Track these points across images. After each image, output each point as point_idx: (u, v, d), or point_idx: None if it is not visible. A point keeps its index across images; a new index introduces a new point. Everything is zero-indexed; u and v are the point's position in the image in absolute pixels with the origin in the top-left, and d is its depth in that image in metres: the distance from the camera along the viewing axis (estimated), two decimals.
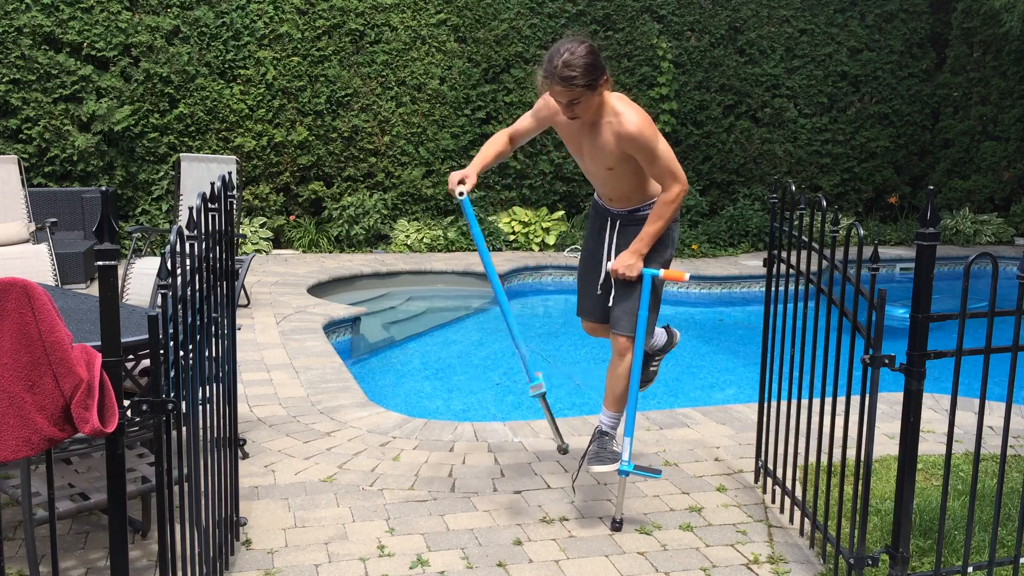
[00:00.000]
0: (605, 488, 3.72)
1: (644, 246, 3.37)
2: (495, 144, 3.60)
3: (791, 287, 7.95)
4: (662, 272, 3.41)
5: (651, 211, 3.36)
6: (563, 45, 3.15)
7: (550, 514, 3.47)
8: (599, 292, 3.61)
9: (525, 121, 3.55)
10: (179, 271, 2.33)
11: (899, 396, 4.98)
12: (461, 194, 3.43)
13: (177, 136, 9.10)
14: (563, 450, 3.46)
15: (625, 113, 3.21)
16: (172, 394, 2.12)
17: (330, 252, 9.55)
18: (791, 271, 3.46)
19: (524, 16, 10.16)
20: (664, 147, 3.24)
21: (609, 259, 3.55)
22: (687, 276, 3.32)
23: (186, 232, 2.33)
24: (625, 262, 3.38)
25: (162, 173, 9.05)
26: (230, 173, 2.96)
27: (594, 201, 3.67)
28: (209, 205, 2.60)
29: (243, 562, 3.03)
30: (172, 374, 2.13)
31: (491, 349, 6.89)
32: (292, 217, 9.72)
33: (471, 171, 3.50)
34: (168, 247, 2.12)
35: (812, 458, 4.01)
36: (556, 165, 10.46)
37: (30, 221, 7.05)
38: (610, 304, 3.51)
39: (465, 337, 7.26)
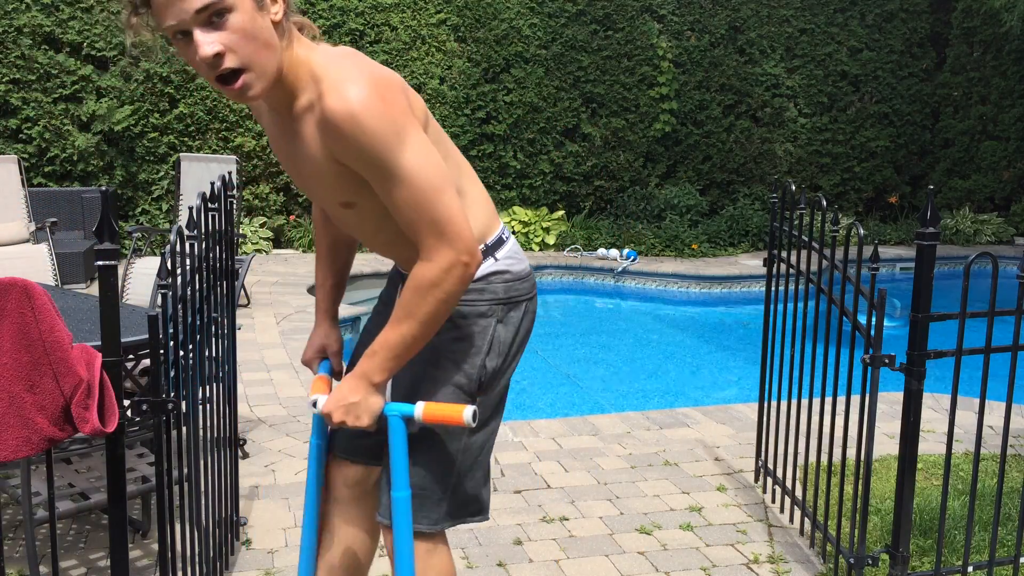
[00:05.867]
0: (605, 487, 3.72)
1: (379, 368, 1.75)
2: (323, 235, 2.12)
3: (791, 287, 7.93)
4: (421, 410, 1.76)
5: (399, 300, 1.74)
6: None
7: (550, 514, 3.46)
8: None
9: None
10: (179, 271, 2.32)
11: (899, 396, 4.98)
12: (315, 404, 1.85)
13: (177, 136, 9.10)
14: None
15: (330, 77, 1.61)
16: (172, 394, 2.12)
17: None
18: (791, 271, 3.45)
19: (524, 16, 10.15)
20: (419, 159, 1.63)
21: None
22: (469, 416, 1.71)
23: (186, 232, 2.33)
24: (345, 398, 1.76)
25: (162, 173, 9.05)
26: (230, 173, 2.96)
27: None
28: (209, 205, 2.60)
29: (243, 562, 3.03)
30: (172, 374, 2.13)
31: None
32: (292, 217, 9.72)
33: (328, 326, 2.13)
34: (168, 247, 2.11)
35: (812, 458, 4.01)
36: (556, 165, 10.46)
37: (30, 221, 7.05)
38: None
39: None
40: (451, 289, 1.68)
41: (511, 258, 1.92)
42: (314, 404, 1.84)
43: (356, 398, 1.74)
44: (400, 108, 1.62)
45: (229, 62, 1.54)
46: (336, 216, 1.85)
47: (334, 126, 1.59)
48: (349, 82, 1.58)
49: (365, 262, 8.81)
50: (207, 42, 1.52)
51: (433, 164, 1.65)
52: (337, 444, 2.07)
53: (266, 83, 1.60)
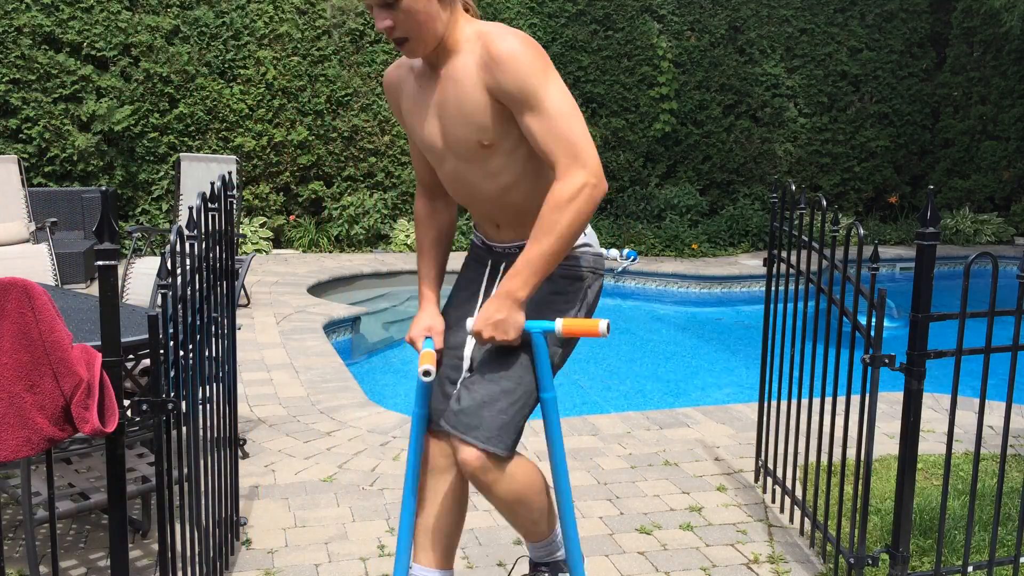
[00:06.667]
0: (605, 487, 3.72)
1: (522, 284, 1.99)
2: (426, 230, 2.39)
3: (791, 287, 7.93)
4: (561, 324, 2.04)
5: (538, 221, 1.99)
6: None
7: None
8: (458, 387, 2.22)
9: (415, 159, 2.36)
10: (179, 271, 2.33)
11: (899, 396, 4.98)
12: (427, 374, 2.05)
13: (177, 136, 9.10)
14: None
15: (492, 31, 2.00)
16: (172, 394, 2.12)
17: (330, 252, 9.55)
18: (791, 271, 3.45)
19: (524, 16, 10.15)
20: (560, 94, 1.98)
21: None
22: (604, 327, 2.00)
23: (186, 232, 2.33)
24: (492, 316, 2.01)
25: (162, 173, 9.05)
26: (230, 173, 2.96)
27: (471, 242, 2.37)
28: (209, 205, 2.60)
29: (243, 562, 3.03)
30: (172, 374, 2.13)
31: None
32: (292, 217, 9.72)
33: (433, 310, 2.32)
34: (168, 247, 2.12)
35: (812, 458, 4.01)
36: None
37: (30, 221, 7.04)
38: (457, 386, 2.21)
39: None
40: (583, 207, 1.96)
41: (591, 236, 2.27)
42: (426, 374, 2.03)
43: (503, 315, 2.00)
44: (545, 54, 2.02)
45: (397, 33, 2.02)
46: (464, 164, 2.12)
47: (500, 62, 1.96)
48: (509, 34, 1.99)
49: (365, 262, 8.81)
50: (380, 19, 2.01)
51: (569, 97, 2.01)
52: (435, 420, 2.27)
53: (426, 47, 2.05)
